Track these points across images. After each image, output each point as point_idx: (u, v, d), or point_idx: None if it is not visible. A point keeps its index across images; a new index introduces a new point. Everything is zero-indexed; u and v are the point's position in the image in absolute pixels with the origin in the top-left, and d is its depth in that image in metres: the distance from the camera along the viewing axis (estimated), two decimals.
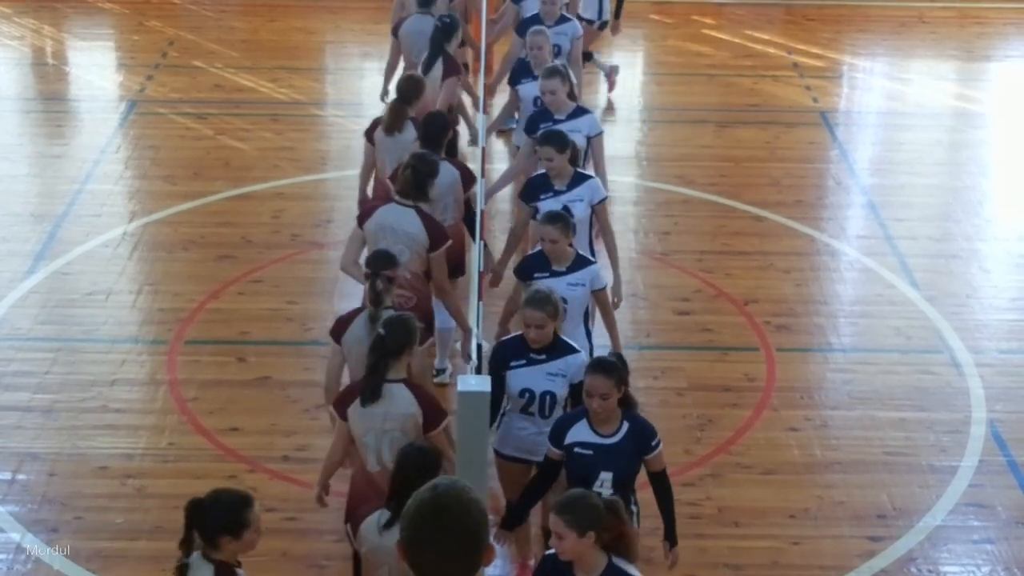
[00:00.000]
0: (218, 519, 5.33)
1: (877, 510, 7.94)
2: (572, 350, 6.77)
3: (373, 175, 9.26)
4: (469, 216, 8.45)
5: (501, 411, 6.84)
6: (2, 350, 9.33)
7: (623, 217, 11.44)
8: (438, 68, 10.14)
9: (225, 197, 11.62)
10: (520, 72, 10.20)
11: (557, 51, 10.70)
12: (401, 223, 7.77)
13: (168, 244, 10.82)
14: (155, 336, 9.56)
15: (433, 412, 6.40)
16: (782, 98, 14.23)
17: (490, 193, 9.64)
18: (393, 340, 6.35)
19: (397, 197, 7.89)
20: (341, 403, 6.47)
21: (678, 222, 11.42)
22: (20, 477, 8.07)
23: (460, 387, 5.79)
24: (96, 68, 14.71)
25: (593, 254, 8.26)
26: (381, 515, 5.74)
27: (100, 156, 12.34)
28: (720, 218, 11.47)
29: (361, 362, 6.63)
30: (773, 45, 15.73)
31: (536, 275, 7.43)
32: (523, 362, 6.70)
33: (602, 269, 7.82)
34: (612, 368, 6.11)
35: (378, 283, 6.95)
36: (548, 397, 6.70)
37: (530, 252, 7.79)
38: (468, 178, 8.55)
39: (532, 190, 8.39)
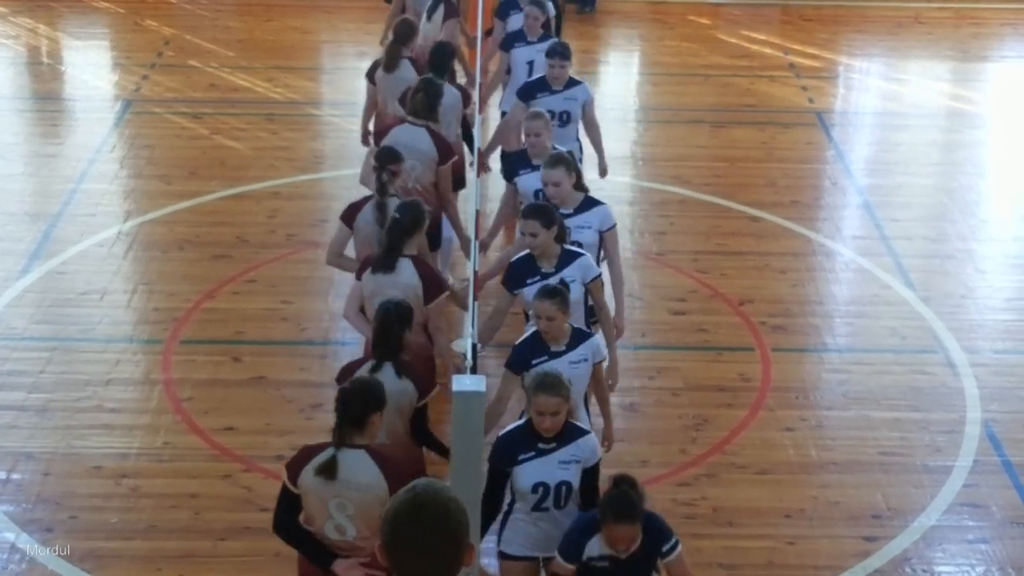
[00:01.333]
0: (371, 399, 5.94)
1: (872, 510, 7.94)
2: (582, 432, 6.19)
3: (373, 114, 10.23)
4: (466, 132, 9.71)
5: (504, 510, 6.29)
6: None
7: (619, 217, 11.39)
8: (439, 13, 11.27)
9: (220, 197, 11.62)
10: (517, 162, 8.70)
11: (566, 118, 9.61)
12: (414, 141, 8.64)
13: (163, 243, 10.82)
14: (150, 336, 9.55)
15: (432, 287, 7.38)
16: (778, 98, 14.24)
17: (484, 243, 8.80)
18: (408, 220, 7.40)
19: (410, 118, 8.79)
20: (362, 268, 7.53)
21: (674, 222, 11.42)
22: (15, 477, 8.06)
23: (454, 387, 5.78)
24: (91, 67, 14.71)
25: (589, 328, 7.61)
26: (368, 366, 6.56)
27: (95, 155, 12.34)
28: (716, 218, 11.47)
29: (369, 240, 7.92)
30: (769, 45, 15.74)
31: (534, 361, 6.74)
32: (532, 454, 6.07)
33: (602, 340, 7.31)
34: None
35: (384, 175, 8.02)
36: (564, 488, 6.10)
37: (523, 338, 7.01)
38: (466, 97, 9.75)
39: (517, 276, 7.41)
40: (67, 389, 8.89)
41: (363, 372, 6.54)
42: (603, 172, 10.12)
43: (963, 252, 11.06)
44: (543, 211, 7.38)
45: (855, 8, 16.92)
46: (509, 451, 6.10)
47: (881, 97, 14.62)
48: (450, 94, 9.39)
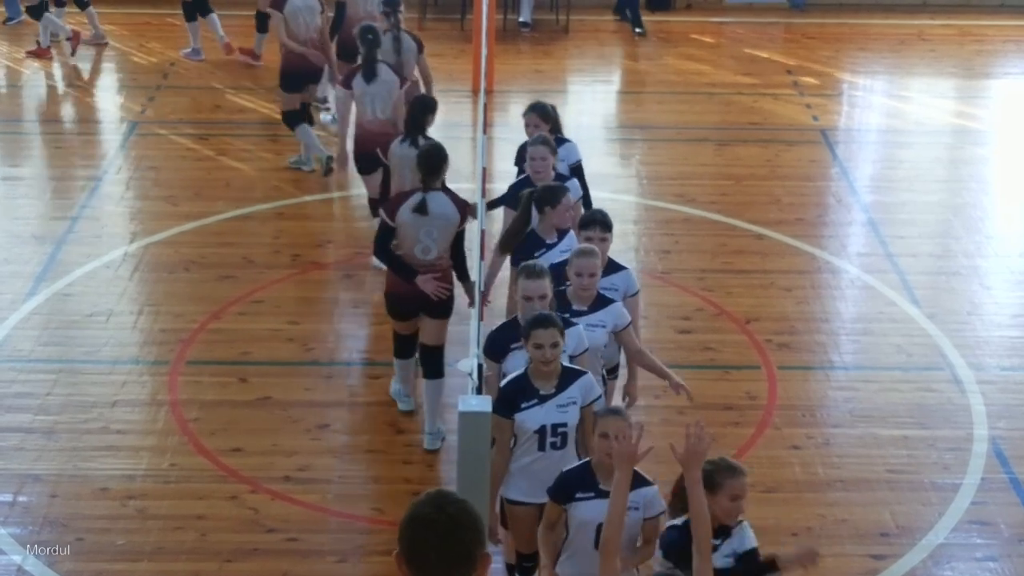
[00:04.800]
0: (442, 154, 8.36)
1: (880, 528, 7.92)
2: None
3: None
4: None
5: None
6: (3, 372, 9.33)
7: (623, 236, 11.44)
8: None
9: (226, 218, 11.64)
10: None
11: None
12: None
13: (169, 264, 10.83)
14: (156, 357, 9.56)
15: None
16: (782, 116, 14.25)
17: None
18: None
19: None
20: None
21: (679, 241, 11.43)
22: (21, 499, 8.06)
23: (460, 407, 5.78)
24: (97, 90, 14.74)
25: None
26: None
27: (101, 177, 12.36)
28: (721, 236, 11.48)
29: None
30: (773, 63, 15.76)
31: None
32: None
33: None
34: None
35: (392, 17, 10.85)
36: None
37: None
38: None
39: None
40: (73, 411, 8.89)
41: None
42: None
43: (969, 268, 11.05)
44: (550, 319, 6.64)
45: (858, 26, 16.94)
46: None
47: (885, 114, 14.64)
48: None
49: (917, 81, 15.60)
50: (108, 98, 14.19)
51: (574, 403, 6.56)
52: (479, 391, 6.31)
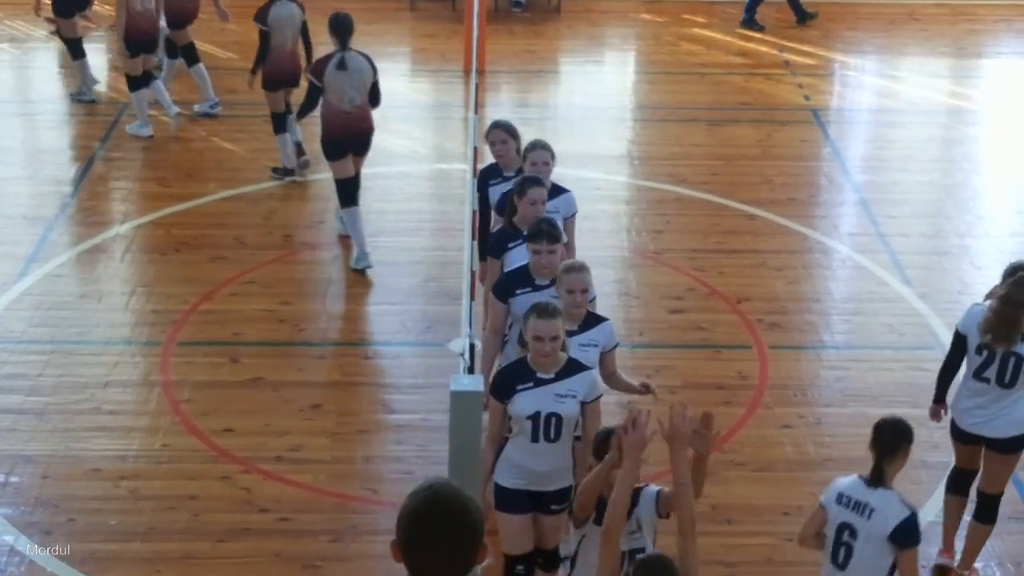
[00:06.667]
0: (348, 21, 10.16)
1: None
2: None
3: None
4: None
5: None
6: None
7: (616, 216, 11.46)
8: None
9: (217, 198, 11.62)
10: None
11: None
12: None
13: (161, 246, 10.82)
14: (148, 338, 9.56)
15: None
16: (774, 96, 14.25)
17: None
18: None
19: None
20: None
21: (670, 221, 11.43)
22: (13, 479, 8.07)
23: (452, 387, 5.78)
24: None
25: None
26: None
27: (92, 158, 12.34)
28: (712, 216, 11.48)
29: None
30: (765, 43, 15.75)
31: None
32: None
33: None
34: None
35: None
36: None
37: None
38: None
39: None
40: (65, 392, 8.89)
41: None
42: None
43: (960, 248, 11.07)
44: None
45: (849, 5, 16.92)
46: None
47: (877, 94, 14.64)
48: None
49: (909, 61, 15.60)
50: (99, 78, 14.13)
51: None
52: (471, 371, 6.32)
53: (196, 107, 13.26)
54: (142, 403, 8.83)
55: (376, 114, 10.39)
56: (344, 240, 10.84)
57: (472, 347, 6.58)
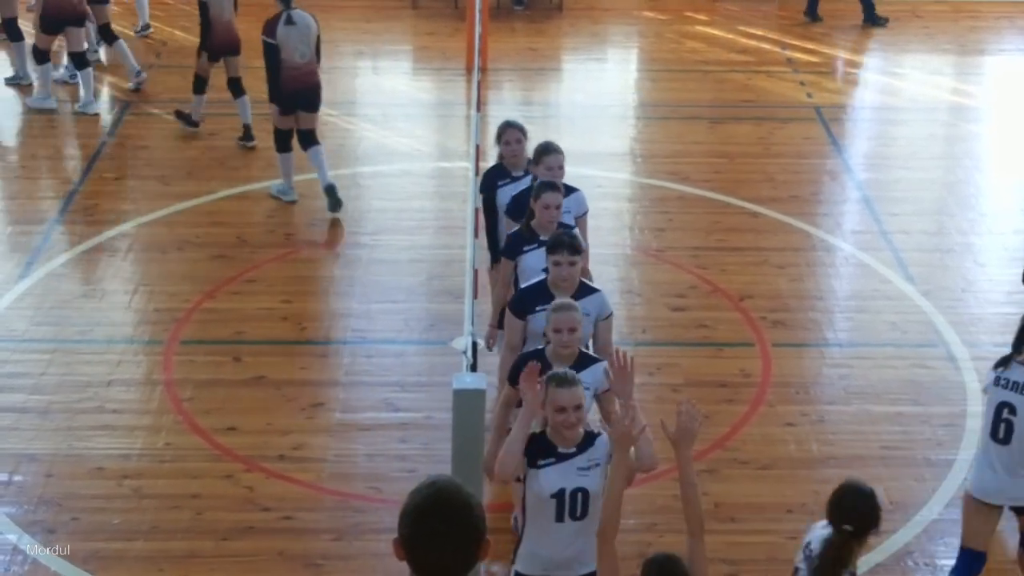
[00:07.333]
0: None
1: None
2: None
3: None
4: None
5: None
6: None
7: (618, 214, 11.45)
8: None
9: (219, 197, 11.62)
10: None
11: None
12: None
13: (163, 244, 10.82)
14: (151, 336, 9.56)
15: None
16: (776, 94, 14.24)
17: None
18: None
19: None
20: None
21: (673, 218, 11.43)
22: (17, 478, 8.07)
23: (455, 385, 5.78)
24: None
25: None
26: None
27: (95, 157, 12.34)
28: (715, 214, 11.48)
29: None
30: (767, 41, 15.74)
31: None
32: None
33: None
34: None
35: None
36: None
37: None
38: None
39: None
40: (68, 391, 8.89)
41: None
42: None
43: (963, 246, 11.06)
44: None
45: (852, 2, 16.90)
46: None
47: (879, 91, 14.63)
48: None
49: (911, 58, 15.58)
50: (101, 77, 14.14)
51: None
52: (473, 369, 6.32)
53: (129, 84, 13.75)
54: (145, 402, 8.83)
55: (378, 113, 10.42)
56: (343, 240, 10.84)
57: (475, 345, 6.58)
